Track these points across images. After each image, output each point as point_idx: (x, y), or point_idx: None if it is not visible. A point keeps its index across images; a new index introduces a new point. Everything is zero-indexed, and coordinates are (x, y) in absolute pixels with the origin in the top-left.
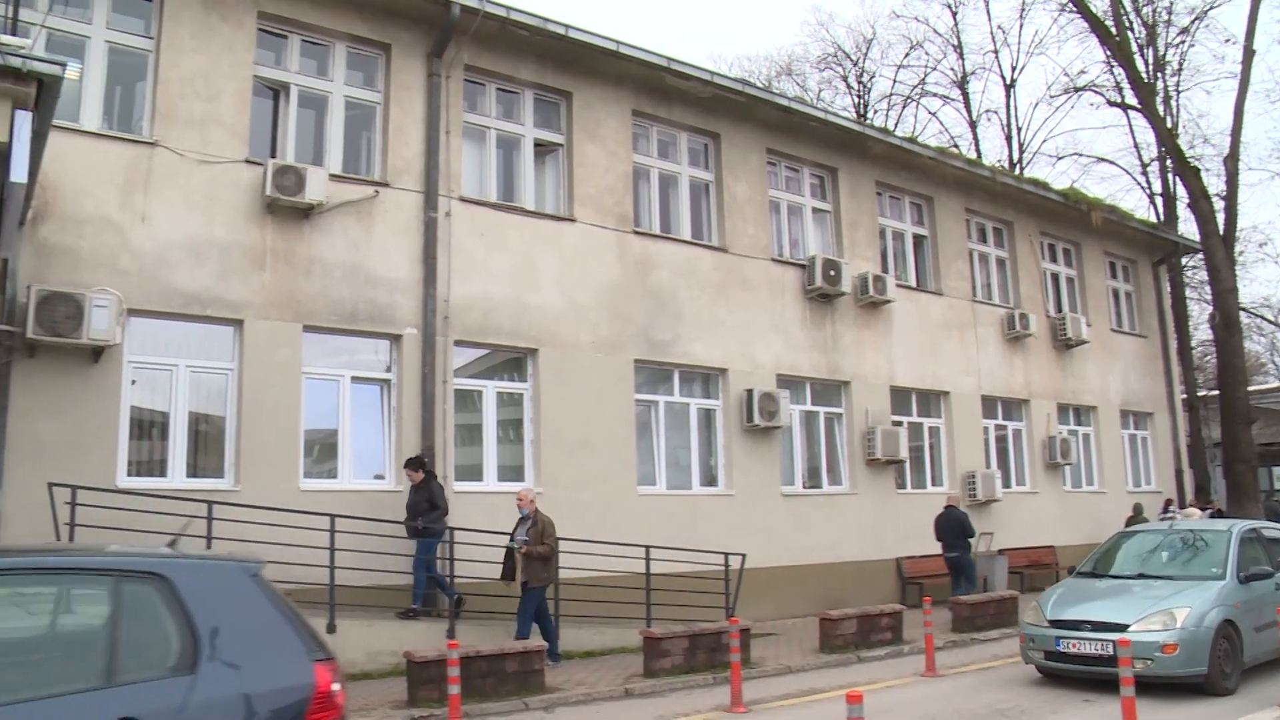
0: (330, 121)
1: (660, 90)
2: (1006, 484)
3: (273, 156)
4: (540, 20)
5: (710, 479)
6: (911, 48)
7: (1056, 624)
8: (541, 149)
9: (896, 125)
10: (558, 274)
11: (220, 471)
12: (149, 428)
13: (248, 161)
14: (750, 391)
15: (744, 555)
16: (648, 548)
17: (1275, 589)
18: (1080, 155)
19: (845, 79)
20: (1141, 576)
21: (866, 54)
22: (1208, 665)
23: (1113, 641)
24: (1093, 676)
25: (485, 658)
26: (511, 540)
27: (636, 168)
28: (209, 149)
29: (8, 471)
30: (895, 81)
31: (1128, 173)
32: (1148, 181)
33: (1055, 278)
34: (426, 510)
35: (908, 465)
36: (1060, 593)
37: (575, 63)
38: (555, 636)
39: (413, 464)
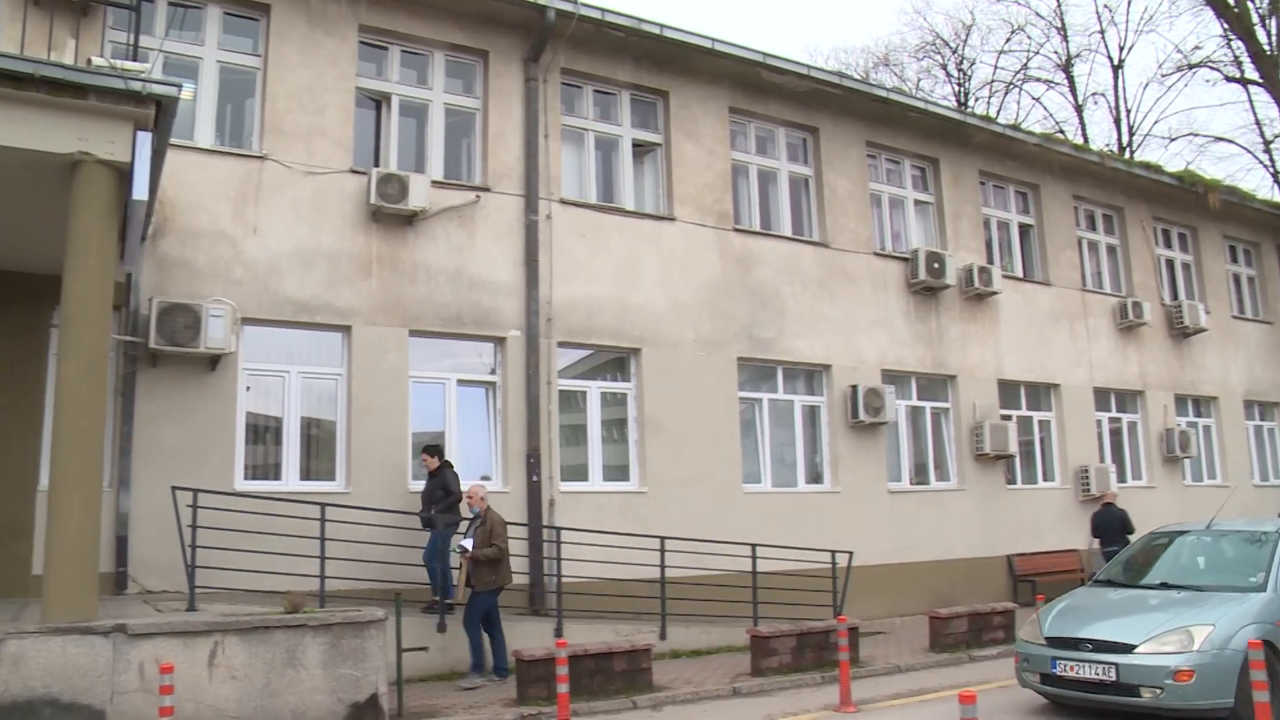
0: (431, 129)
1: (757, 86)
2: (1121, 478)
3: (376, 165)
4: (635, 21)
5: (816, 476)
6: (1013, 32)
7: (1054, 642)
8: (640, 149)
9: (999, 113)
10: (659, 273)
11: (332, 474)
12: (263, 432)
13: (352, 171)
14: (855, 387)
15: (850, 553)
16: (754, 546)
17: None
18: (1195, 135)
19: (944, 67)
20: (1165, 586)
21: (966, 41)
22: (1234, 696)
23: (1115, 665)
24: (1092, 706)
25: (593, 656)
26: (458, 546)
27: (735, 165)
28: (315, 160)
29: (135, 475)
30: (996, 68)
31: (1248, 151)
32: (1270, 160)
33: (1170, 264)
34: (441, 499)
35: (1018, 460)
36: (1065, 604)
37: (671, 62)
38: (504, 647)
39: (430, 450)
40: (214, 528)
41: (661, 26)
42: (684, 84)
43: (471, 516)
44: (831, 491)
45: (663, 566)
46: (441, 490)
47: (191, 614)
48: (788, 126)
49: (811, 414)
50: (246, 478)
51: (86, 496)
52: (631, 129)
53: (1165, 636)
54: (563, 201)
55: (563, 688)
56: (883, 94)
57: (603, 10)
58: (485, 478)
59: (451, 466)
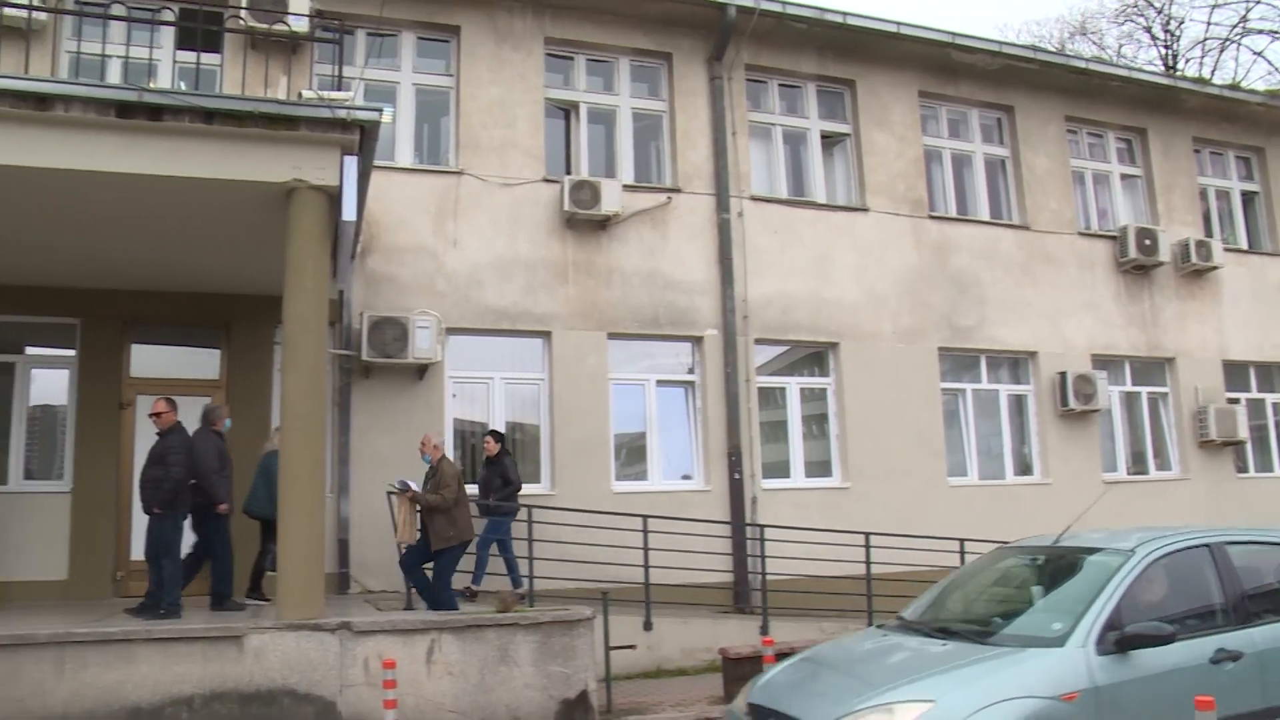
0: (620, 134)
1: (946, 68)
2: None
3: (568, 173)
4: (817, 12)
5: (1025, 468)
6: None
7: (753, 713)
8: (828, 140)
9: (1213, 73)
10: (854, 265)
11: (537, 477)
12: (470, 438)
13: (545, 180)
14: (1063, 374)
15: None
16: (961, 540)
17: (1212, 664)
18: None
19: (1149, 30)
20: (944, 632)
21: None
22: None
23: None
24: None
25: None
26: (396, 483)
27: (927, 150)
28: (509, 172)
29: (353, 482)
30: (1209, 24)
31: None
32: None
33: None
34: (499, 487)
35: (1249, 446)
36: (803, 656)
37: (856, 50)
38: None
39: (494, 435)
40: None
41: (844, 15)
42: (870, 71)
43: (427, 466)
44: (1042, 483)
45: (868, 563)
46: (500, 478)
47: (409, 613)
48: (981, 107)
49: (1018, 403)
50: None
51: (311, 503)
52: (819, 121)
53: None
54: (753, 198)
55: None
56: (1081, 65)
57: (784, 3)
58: (686, 476)
59: (510, 454)
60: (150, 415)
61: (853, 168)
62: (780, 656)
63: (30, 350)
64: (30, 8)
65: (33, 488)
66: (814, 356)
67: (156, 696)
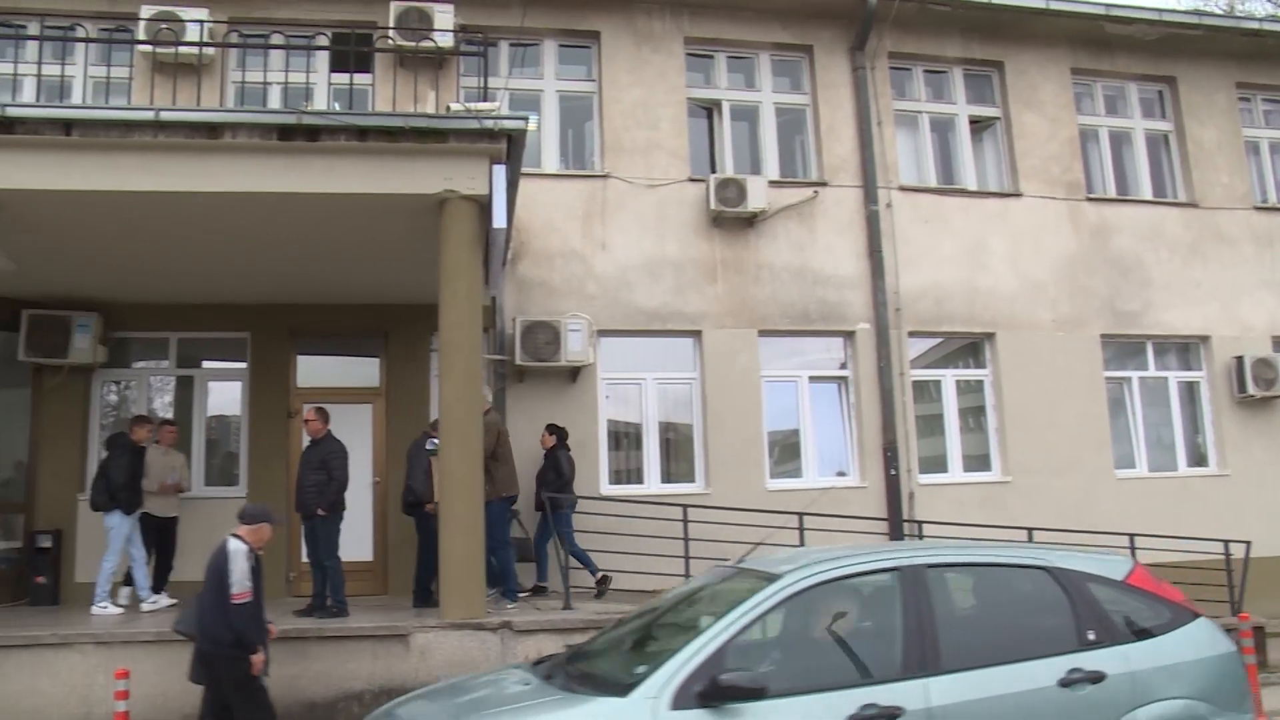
0: (763, 130)
1: (1100, 42)
2: None
3: (713, 172)
4: None
5: (1199, 458)
6: None
7: None
8: (977, 125)
9: None
10: (1008, 253)
11: (691, 476)
12: (623, 438)
13: (690, 180)
14: (1240, 359)
15: (1248, 543)
16: (1131, 535)
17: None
18: None
19: None
20: (580, 676)
21: None
22: None
23: None
24: None
25: None
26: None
27: (1083, 129)
28: (654, 173)
29: None
30: None
31: None
32: None
33: None
34: (552, 480)
35: None
36: (432, 689)
37: (1002, 30)
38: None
39: (550, 428)
40: (584, 531)
41: None
42: (1019, 51)
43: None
44: (1219, 474)
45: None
46: (553, 471)
47: (568, 612)
48: (1139, 80)
49: (1189, 390)
50: (611, 482)
51: (470, 506)
52: (967, 105)
53: None
54: (902, 188)
55: None
56: (1254, 26)
57: None
58: (840, 473)
59: (568, 449)
60: (304, 423)
61: (1004, 152)
62: None
63: (207, 364)
64: (200, 44)
65: (212, 493)
66: (969, 348)
67: (330, 691)
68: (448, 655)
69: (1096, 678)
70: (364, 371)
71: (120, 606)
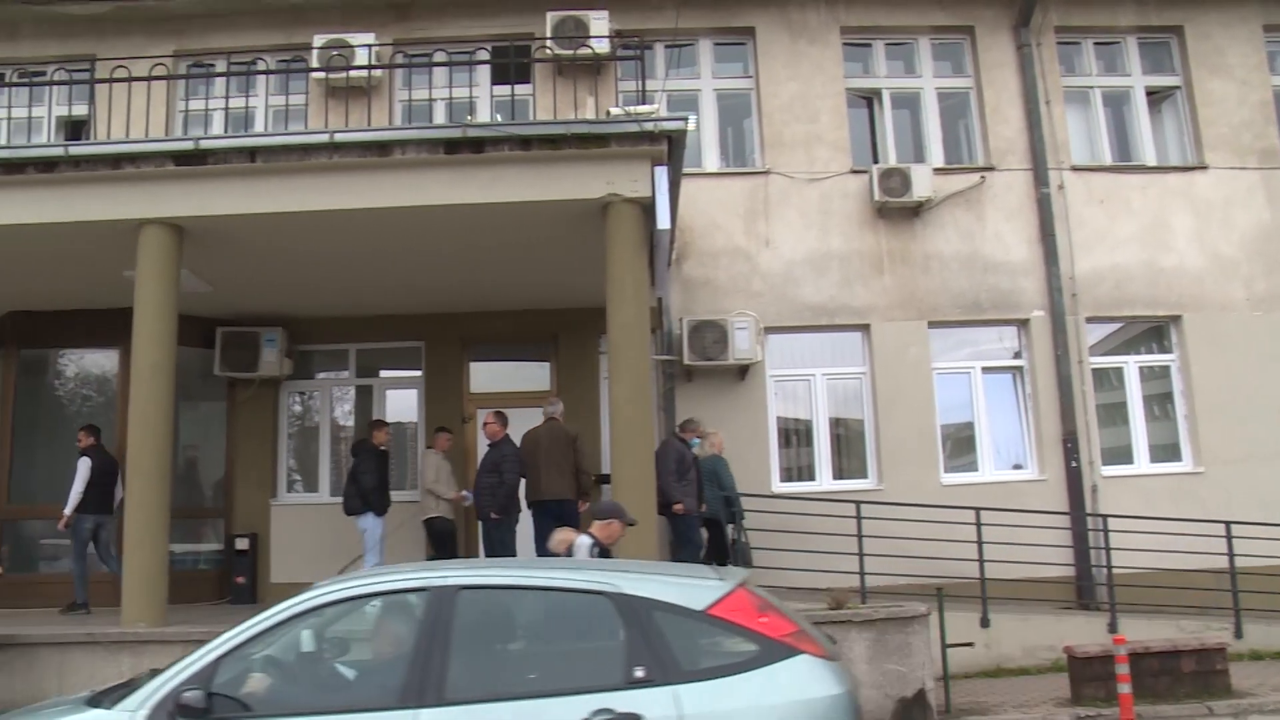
0: (925, 117)
1: None
2: None
3: (875, 162)
4: None
5: None
6: None
7: None
8: (1154, 96)
9: None
10: (1193, 230)
11: (863, 472)
12: (793, 435)
13: (853, 172)
14: None
15: None
16: None
17: None
18: None
19: None
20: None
21: None
22: None
23: None
24: None
25: (1156, 655)
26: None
27: (1277, 92)
28: (815, 167)
29: None
30: None
31: None
32: None
33: None
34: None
35: None
36: None
37: None
38: None
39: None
40: (757, 529)
41: None
42: (1200, 12)
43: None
44: None
45: (1231, 555)
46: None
47: None
48: None
49: None
50: (782, 480)
51: (642, 505)
52: (1142, 76)
53: None
54: (1074, 168)
55: (1124, 688)
56: None
57: None
58: (1017, 466)
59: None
60: (482, 426)
61: (1186, 123)
62: (1134, 656)
63: (384, 373)
64: (369, 67)
65: (393, 498)
66: (1153, 332)
67: None
68: None
69: None
70: (535, 375)
71: None
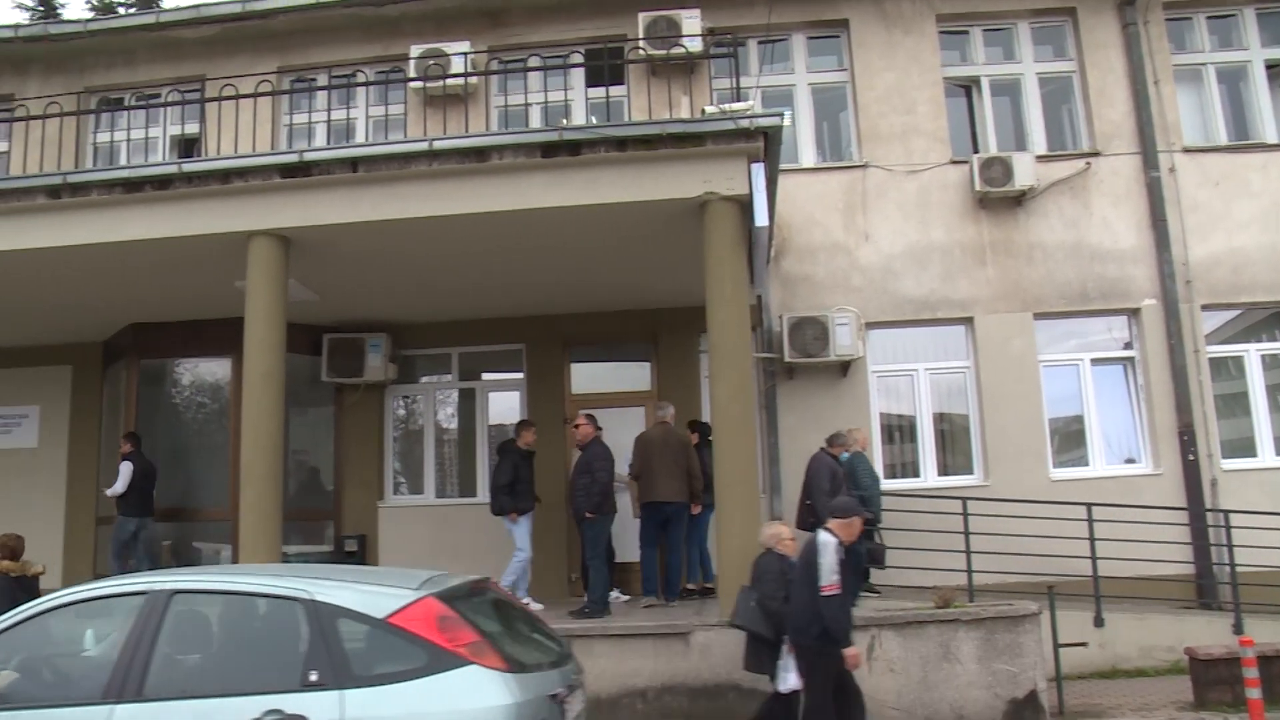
0: (1026, 103)
1: None
2: None
3: (975, 152)
4: None
5: None
6: None
7: None
8: (1275, 70)
9: None
10: None
11: (968, 468)
12: (896, 431)
13: (952, 162)
14: None
15: None
16: None
17: None
18: None
19: None
20: None
21: None
22: None
23: None
24: None
25: None
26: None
27: None
28: (913, 159)
29: (784, 482)
30: None
31: None
32: None
33: None
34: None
35: None
36: None
37: None
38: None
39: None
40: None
41: None
42: None
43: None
44: None
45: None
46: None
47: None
48: None
49: None
50: (885, 477)
51: (745, 504)
52: (1261, 49)
53: None
54: (1185, 150)
55: (1253, 693)
56: None
57: None
58: (1130, 460)
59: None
60: (571, 427)
61: None
62: (1262, 660)
63: (486, 376)
64: (465, 74)
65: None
66: (1275, 318)
67: (614, 688)
68: (727, 653)
69: None
70: (635, 375)
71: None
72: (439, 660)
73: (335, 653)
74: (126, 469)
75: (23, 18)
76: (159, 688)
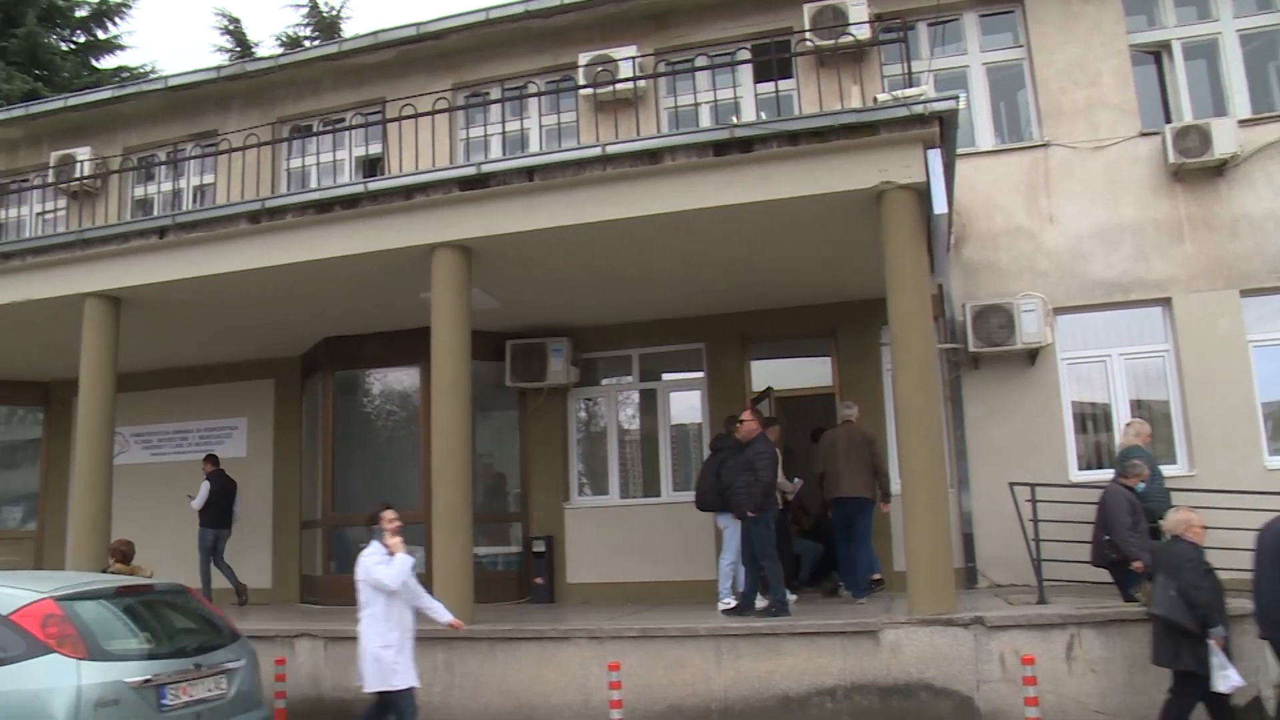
0: (1226, 64)
1: None
2: None
3: (1167, 122)
4: None
5: None
6: None
7: None
8: None
9: None
10: None
11: (1171, 457)
12: (1089, 421)
13: (1141, 135)
14: None
15: None
16: None
17: None
18: None
19: None
20: None
21: None
22: None
23: None
24: None
25: None
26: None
27: None
28: (1099, 134)
29: (972, 475)
30: None
31: None
32: None
33: None
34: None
35: None
36: None
37: None
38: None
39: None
40: (1054, 520)
41: None
42: None
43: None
44: None
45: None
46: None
47: (1044, 606)
48: None
49: None
50: (1079, 468)
51: (933, 499)
52: None
53: None
54: None
55: None
56: None
57: None
58: None
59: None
60: (735, 423)
61: None
62: None
63: (667, 376)
64: (634, 78)
65: (679, 498)
66: None
67: (802, 686)
68: (918, 651)
69: None
70: (815, 371)
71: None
72: (33, 649)
73: None
74: (205, 487)
75: (222, 59)
76: None
